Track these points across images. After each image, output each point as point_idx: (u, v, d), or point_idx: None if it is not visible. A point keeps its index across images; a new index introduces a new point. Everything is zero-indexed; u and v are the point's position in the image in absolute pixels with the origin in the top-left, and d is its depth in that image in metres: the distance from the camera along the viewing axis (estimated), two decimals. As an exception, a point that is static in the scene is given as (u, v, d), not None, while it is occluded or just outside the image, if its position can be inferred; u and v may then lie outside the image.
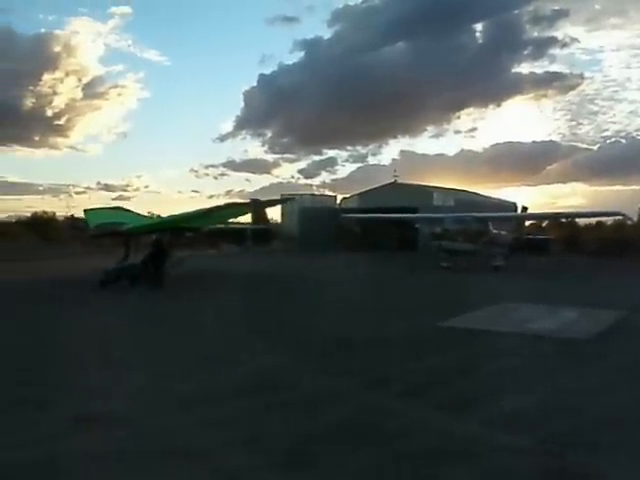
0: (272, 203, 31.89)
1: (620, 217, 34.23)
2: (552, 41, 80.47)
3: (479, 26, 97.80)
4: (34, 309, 15.19)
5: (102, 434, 6.29)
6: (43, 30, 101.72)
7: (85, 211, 25.50)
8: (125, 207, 26.05)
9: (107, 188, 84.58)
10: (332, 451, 5.86)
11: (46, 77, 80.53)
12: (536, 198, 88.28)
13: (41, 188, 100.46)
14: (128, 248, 20.93)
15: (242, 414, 6.99)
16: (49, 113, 76.95)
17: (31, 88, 73.06)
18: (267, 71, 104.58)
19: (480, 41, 77.56)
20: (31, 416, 6.82)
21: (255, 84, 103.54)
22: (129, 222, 21.95)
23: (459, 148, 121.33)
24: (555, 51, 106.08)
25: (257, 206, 27.24)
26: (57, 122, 77.89)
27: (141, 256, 20.58)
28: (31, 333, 12.05)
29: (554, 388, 8.12)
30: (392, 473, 5.40)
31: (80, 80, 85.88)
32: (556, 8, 77.42)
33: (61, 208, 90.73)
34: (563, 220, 46.31)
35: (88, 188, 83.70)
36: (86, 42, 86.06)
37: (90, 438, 6.15)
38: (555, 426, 6.52)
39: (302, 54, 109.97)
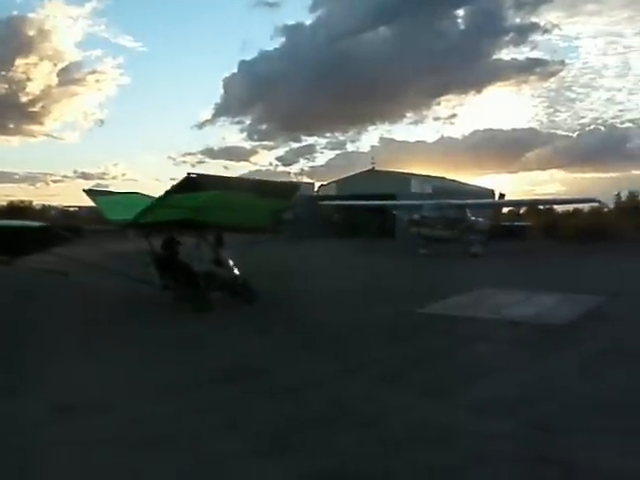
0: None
1: (596, 204, 34.40)
2: (534, 27, 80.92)
3: (461, 12, 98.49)
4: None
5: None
6: (15, 13, 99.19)
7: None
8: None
9: (85, 176, 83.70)
10: (313, 437, 5.83)
11: (19, 62, 79.06)
12: (516, 185, 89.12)
13: (17, 177, 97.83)
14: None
15: (224, 400, 6.97)
16: (23, 99, 75.73)
17: (3, 73, 71.72)
18: (248, 57, 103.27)
19: (462, 27, 77.61)
20: None
21: (236, 71, 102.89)
22: None
23: (439, 135, 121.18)
24: (536, 37, 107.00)
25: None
26: (32, 109, 76.68)
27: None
28: None
29: (530, 373, 8.19)
30: (372, 458, 5.34)
31: (55, 65, 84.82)
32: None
33: (38, 197, 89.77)
34: (540, 207, 46.63)
35: (65, 176, 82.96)
36: (61, 26, 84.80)
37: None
38: (532, 410, 6.55)
39: (283, 40, 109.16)
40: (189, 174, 10.79)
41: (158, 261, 13.93)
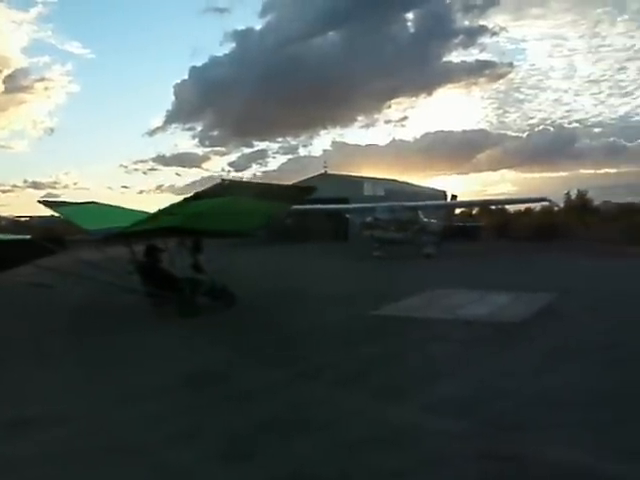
0: None
1: (547, 203, 34.84)
2: (482, 30, 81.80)
3: (410, 15, 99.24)
4: None
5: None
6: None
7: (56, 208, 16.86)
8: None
9: (35, 186, 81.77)
10: (268, 443, 5.82)
11: (-40, 69, 76.91)
12: (468, 186, 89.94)
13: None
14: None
15: (185, 406, 7.07)
16: (-33, 108, 73.83)
17: (-56, 81, 69.61)
18: (199, 63, 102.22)
19: (411, 30, 77.92)
20: None
21: (186, 77, 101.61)
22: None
23: (390, 138, 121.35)
24: (485, 40, 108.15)
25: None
26: (-23, 117, 74.74)
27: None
28: None
29: (484, 371, 8.29)
30: (329, 462, 5.36)
31: (0, 72, 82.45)
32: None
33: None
34: (492, 207, 47.14)
35: (15, 186, 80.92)
36: (5, 31, 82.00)
37: None
38: (486, 409, 6.64)
39: (233, 45, 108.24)
40: (223, 180, 10.61)
41: (141, 269, 13.85)
